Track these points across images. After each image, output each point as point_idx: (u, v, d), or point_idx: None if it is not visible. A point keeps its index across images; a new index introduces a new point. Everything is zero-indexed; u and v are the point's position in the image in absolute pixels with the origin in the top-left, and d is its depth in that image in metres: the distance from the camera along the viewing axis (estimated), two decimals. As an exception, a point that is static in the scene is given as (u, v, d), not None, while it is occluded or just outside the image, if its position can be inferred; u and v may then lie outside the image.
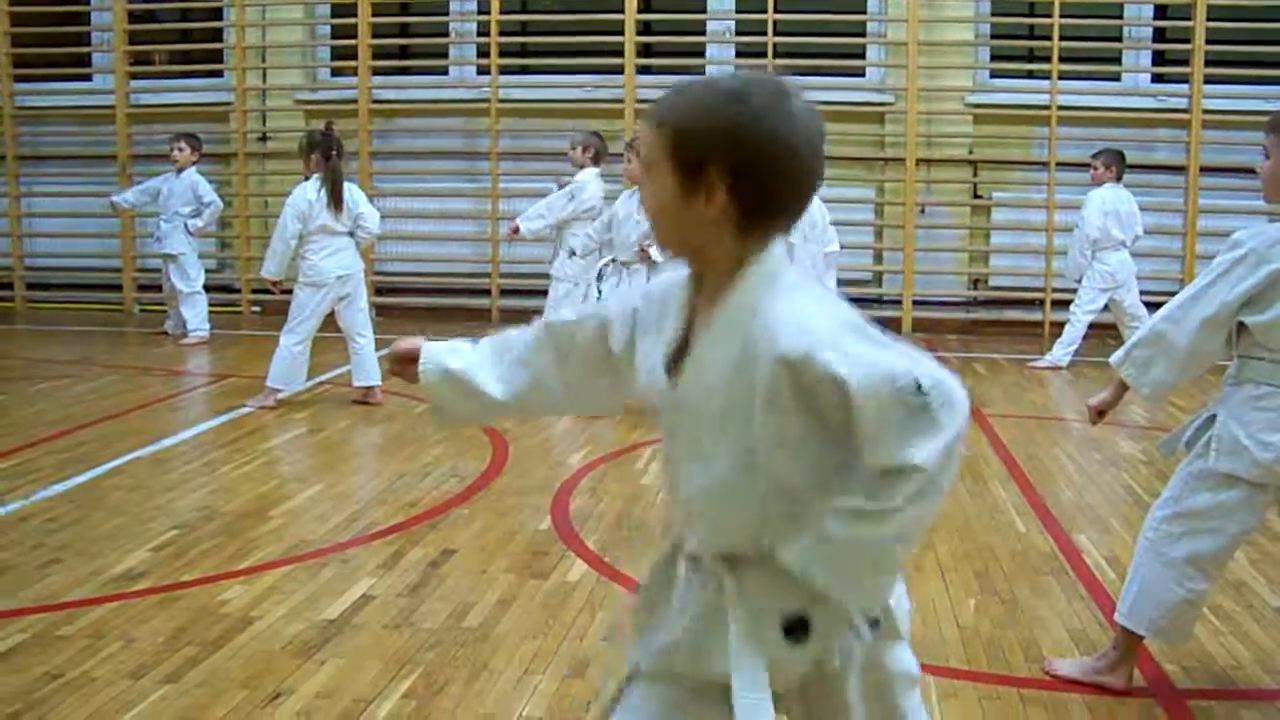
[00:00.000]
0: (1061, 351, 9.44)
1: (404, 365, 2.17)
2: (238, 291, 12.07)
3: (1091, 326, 9.50)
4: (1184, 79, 11.06)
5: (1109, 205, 9.20)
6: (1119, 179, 9.30)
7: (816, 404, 1.74)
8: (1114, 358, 3.54)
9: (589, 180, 8.66)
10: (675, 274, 1.94)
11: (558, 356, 2.13)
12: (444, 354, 2.16)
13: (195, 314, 10.38)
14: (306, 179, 7.58)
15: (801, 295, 1.80)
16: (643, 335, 1.99)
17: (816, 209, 6.97)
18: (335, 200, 7.46)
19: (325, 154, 7.49)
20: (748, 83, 1.79)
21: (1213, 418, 3.39)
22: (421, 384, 2.16)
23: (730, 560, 1.88)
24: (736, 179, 1.76)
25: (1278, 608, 4.25)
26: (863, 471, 1.75)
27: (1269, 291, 3.24)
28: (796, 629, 1.83)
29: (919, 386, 1.70)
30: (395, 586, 4.37)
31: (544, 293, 8.78)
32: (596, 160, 8.80)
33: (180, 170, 10.40)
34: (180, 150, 10.38)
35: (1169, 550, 3.43)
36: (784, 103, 1.78)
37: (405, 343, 2.18)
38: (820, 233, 7.05)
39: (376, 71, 11.94)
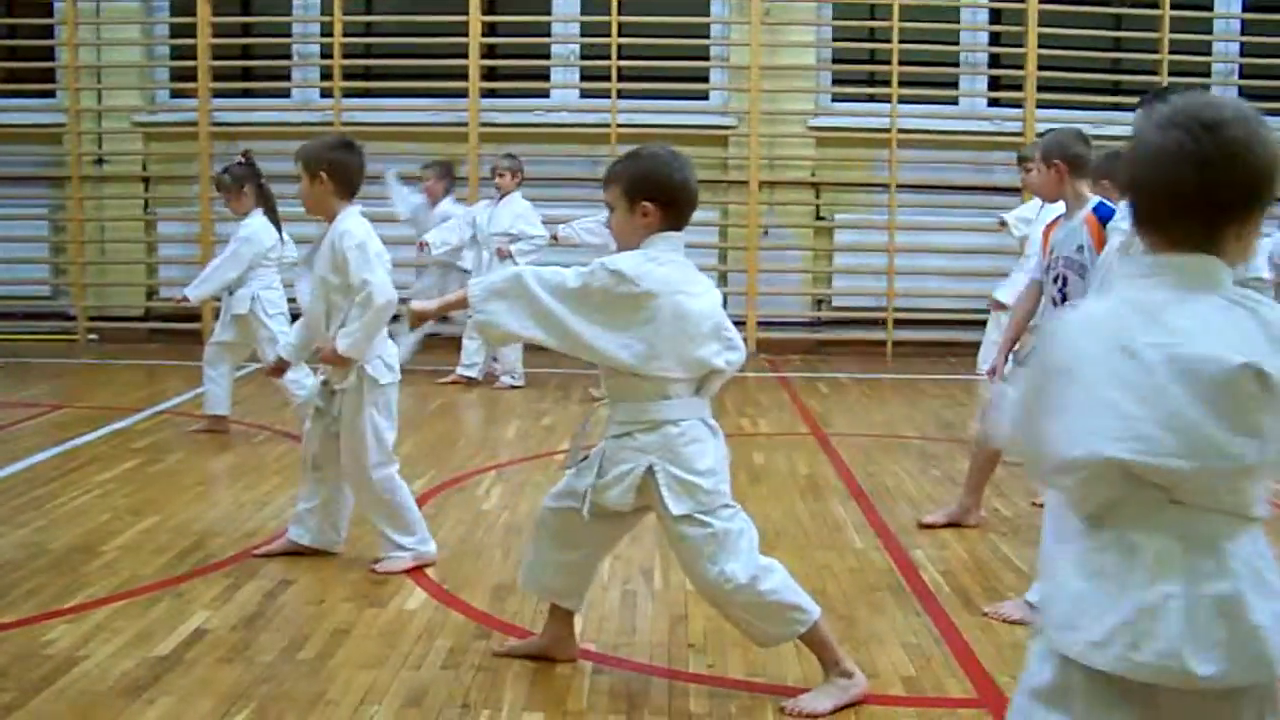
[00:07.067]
0: None
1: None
2: (73, 319, 11.72)
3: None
4: (1018, 104, 11.39)
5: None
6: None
7: None
8: None
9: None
10: None
11: None
12: None
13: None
14: (242, 216, 7.43)
15: None
16: None
17: None
18: (278, 229, 7.33)
19: (256, 184, 7.31)
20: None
21: None
22: None
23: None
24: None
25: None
26: None
27: None
28: None
29: None
30: (230, 619, 4.28)
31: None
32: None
33: None
34: None
35: None
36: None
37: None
38: None
39: (217, 94, 11.72)
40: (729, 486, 3.60)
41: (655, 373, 3.49)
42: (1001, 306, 7.85)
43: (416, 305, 4.01)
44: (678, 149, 3.68)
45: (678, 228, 3.60)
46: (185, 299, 7.63)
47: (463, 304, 3.61)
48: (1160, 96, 4.18)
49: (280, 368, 5.30)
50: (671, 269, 3.52)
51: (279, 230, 7.37)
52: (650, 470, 3.51)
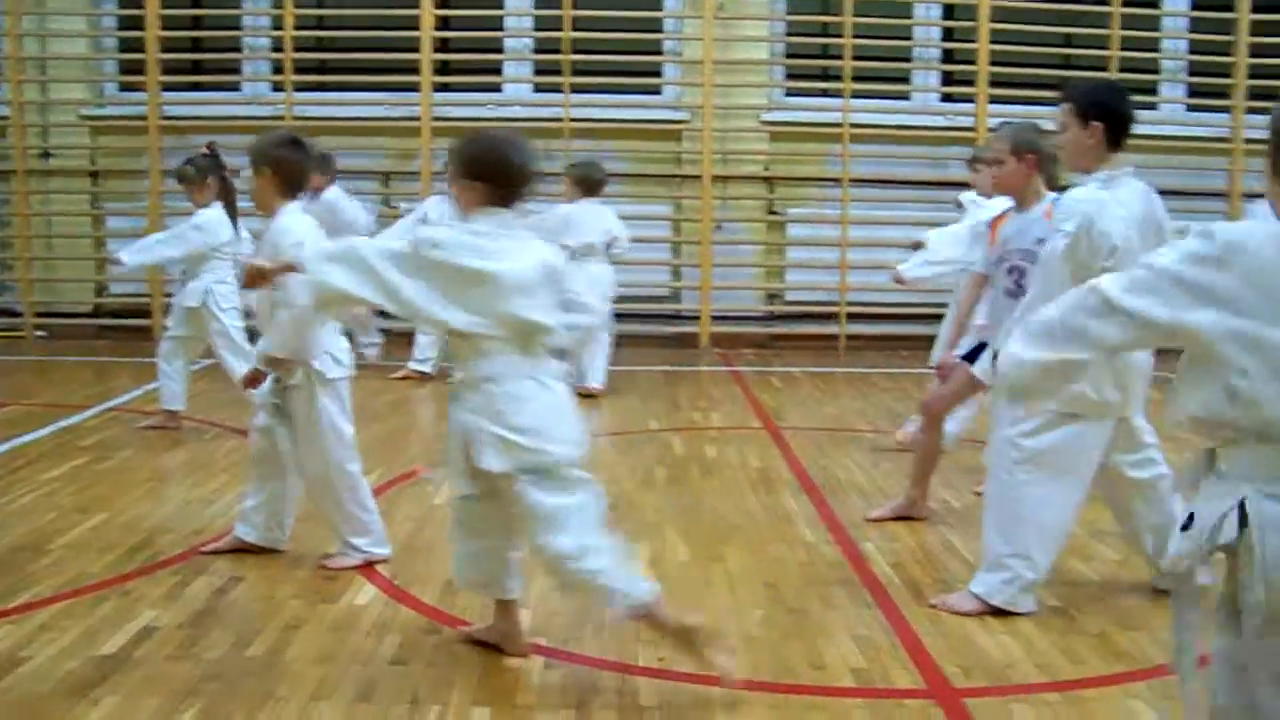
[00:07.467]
0: None
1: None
2: (20, 315, 11.59)
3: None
4: (970, 99, 11.46)
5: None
6: None
7: None
8: None
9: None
10: None
11: None
12: None
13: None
14: (201, 207, 7.40)
15: None
16: None
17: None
18: (235, 223, 7.26)
19: (220, 176, 7.22)
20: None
21: None
22: None
23: None
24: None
25: (1052, 606, 4.41)
26: None
27: None
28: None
29: None
30: (179, 617, 4.25)
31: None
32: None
33: None
34: None
35: None
36: None
37: None
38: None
39: (166, 87, 11.60)
40: (571, 449, 3.66)
41: (473, 331, 3.60)
42: (903, 282, 7.84)
43: (252, 262, 4.21)
44: (516, 138, 3.85)
45: (506, 204, 3.74)
46: (120, 259, 7.64)
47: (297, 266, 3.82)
48: (1077, 89, 4.33)
49: (255, 378, 4.97)
50: (487, 240, 3.65)
51: (235, 225, 7.31)
52: (475, 429, 3.61)
